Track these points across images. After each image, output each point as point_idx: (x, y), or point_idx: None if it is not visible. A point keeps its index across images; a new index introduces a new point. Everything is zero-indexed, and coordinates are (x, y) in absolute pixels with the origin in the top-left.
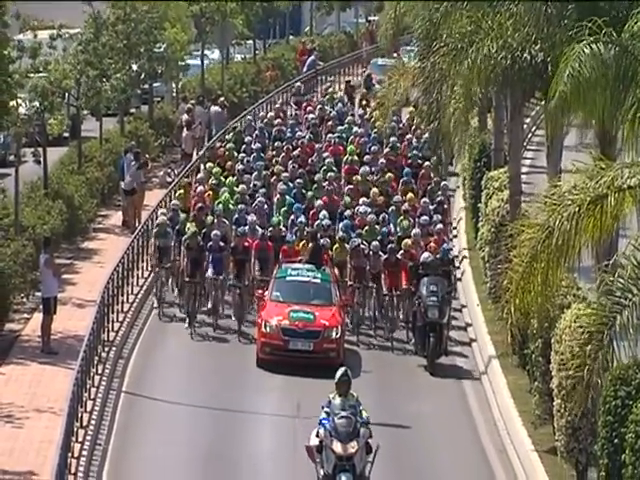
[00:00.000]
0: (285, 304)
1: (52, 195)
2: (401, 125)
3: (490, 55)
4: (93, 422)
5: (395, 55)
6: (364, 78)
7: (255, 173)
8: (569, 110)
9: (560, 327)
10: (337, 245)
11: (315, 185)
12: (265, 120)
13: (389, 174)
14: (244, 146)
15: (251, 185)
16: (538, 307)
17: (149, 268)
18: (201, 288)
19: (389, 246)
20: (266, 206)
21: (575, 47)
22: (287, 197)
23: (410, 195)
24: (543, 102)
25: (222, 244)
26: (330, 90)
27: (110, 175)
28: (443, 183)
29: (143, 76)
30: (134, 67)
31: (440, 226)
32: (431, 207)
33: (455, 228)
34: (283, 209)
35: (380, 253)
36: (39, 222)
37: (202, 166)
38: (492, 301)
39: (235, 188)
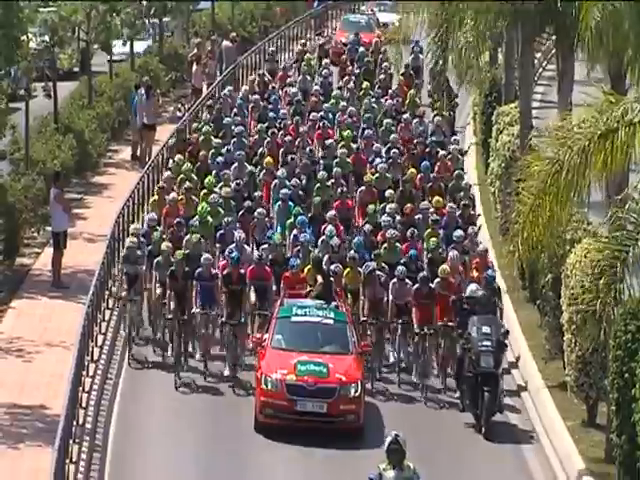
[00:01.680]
0: (290, 352)
1: (62, 130)
2: (395, 102)
3: None
4: (104, 356)
5: (369, 11)
6: (351, 39)
7: (235, 166)
8: (601, 39)
9: (570, 262)
10: (348, 269)
11: (318, 185)
12: (240, 94)
13: (412, 169)
14: (222, 130)
15: (232, 184)
16: (546, 241)
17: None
18: (189, 326)
19: (421, 274)
20: (267, 218)
21: None
22: (291, 204)
23: (437, 198)
24: (554, 37)
25: (213, 271)
26: (307, 57)
27: (120, 110)
28: (465, 182)
29: (153, 11)
30: (143, 2)
31: (483, 247)
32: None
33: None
34: (289, 221)
35: (407, 281)
36: (49, 157)
37: (171, 160)
38: (502, 236)
39: (216, 190)
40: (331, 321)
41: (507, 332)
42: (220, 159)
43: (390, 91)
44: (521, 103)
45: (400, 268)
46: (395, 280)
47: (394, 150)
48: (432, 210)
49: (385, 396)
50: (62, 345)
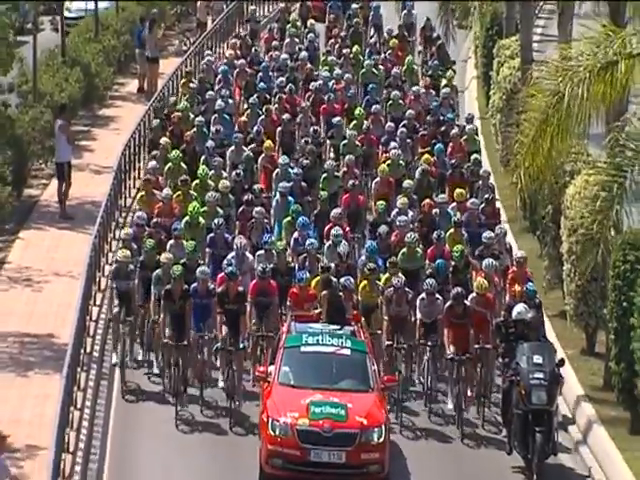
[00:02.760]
0: (300, 390)
1: (69, 63)
2: (396, 71)
3: None
4: None
5: None
6: None
7: (231, 149)
8: None
9: (570, 193)
10: (365, 283)
11: (325, 175)
12: (225, 60)
13: (427, 155)
14: (205, 104)
15: (232, 174)
16: (547, 172)
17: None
18: (188, 353)
19: (455, 290)
20: (266, 220)
21: None
22: (291, 199)
23: (460, 191)
24: None
25: (210, 287)
26: (292, 17)
27: (127, 43)
28: (484, 169)
29: None
30: None
31: (521, 254)
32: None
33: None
34: (286, 220)
35: (437, 295)
36: (57, 89)
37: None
38: (503, 167)
39: (210, 183)
40: (348, 351)
41: (562, 361)
42: (210, 143)
43: (383, 56)
44: (522, 36)
45: (429, 281)
46: (424, 295)
47: (402, 129)
48: (453, 205)
49: (412, 431)
50: (69, 275)
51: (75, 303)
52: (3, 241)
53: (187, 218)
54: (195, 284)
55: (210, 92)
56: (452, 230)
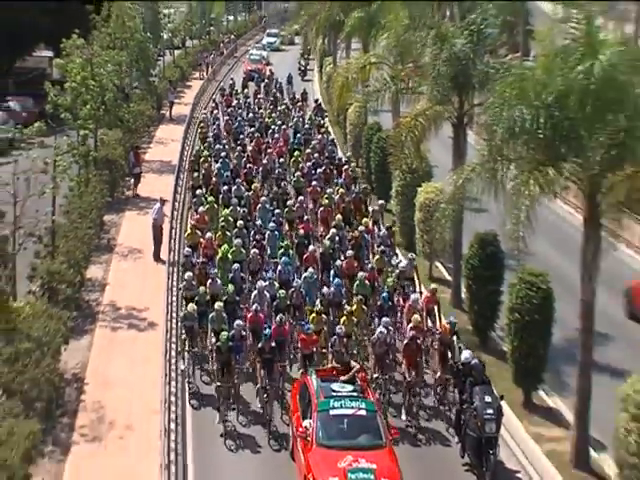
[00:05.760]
0: (335, 452)
1: (176, 66)
2: (306, 125)
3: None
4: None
5: (263, 50)
6: (255, 69)
7: (235, 188)
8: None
9: (350, 111)
10: (344, 318)
11: (287, 209)
12: (213, 115)
13: (340, 189)
14: (214, 152)
15: (240, 210)
16: (343, 104)
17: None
18: (233, 390)
19: (412, 333)
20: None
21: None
22: (276, 233)
23: (365, 220)
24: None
25: (243, 333)
26: (236, 89)
27: (197, 59)
28: (381, 202)
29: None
30: None
31: (434, 286)
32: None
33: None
34: (280, 252)
35: (390, 328)
36: (172, 75)
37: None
38: (327, 104)
39: (229, 219)
40: (364, 412)
41: (502, 397)
42: (226, 188)
43: (301, 113)
44: (333, 57)
45: (385, 320)
46: (384, 331)
47: (320, 170)
48: (363, 229)
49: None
50: (177, 140)
51: (178, 148)
52: (153, 129)
53: (220, 255)
54: (233, 331)
55: (218, 145)
56: (378, 257)
